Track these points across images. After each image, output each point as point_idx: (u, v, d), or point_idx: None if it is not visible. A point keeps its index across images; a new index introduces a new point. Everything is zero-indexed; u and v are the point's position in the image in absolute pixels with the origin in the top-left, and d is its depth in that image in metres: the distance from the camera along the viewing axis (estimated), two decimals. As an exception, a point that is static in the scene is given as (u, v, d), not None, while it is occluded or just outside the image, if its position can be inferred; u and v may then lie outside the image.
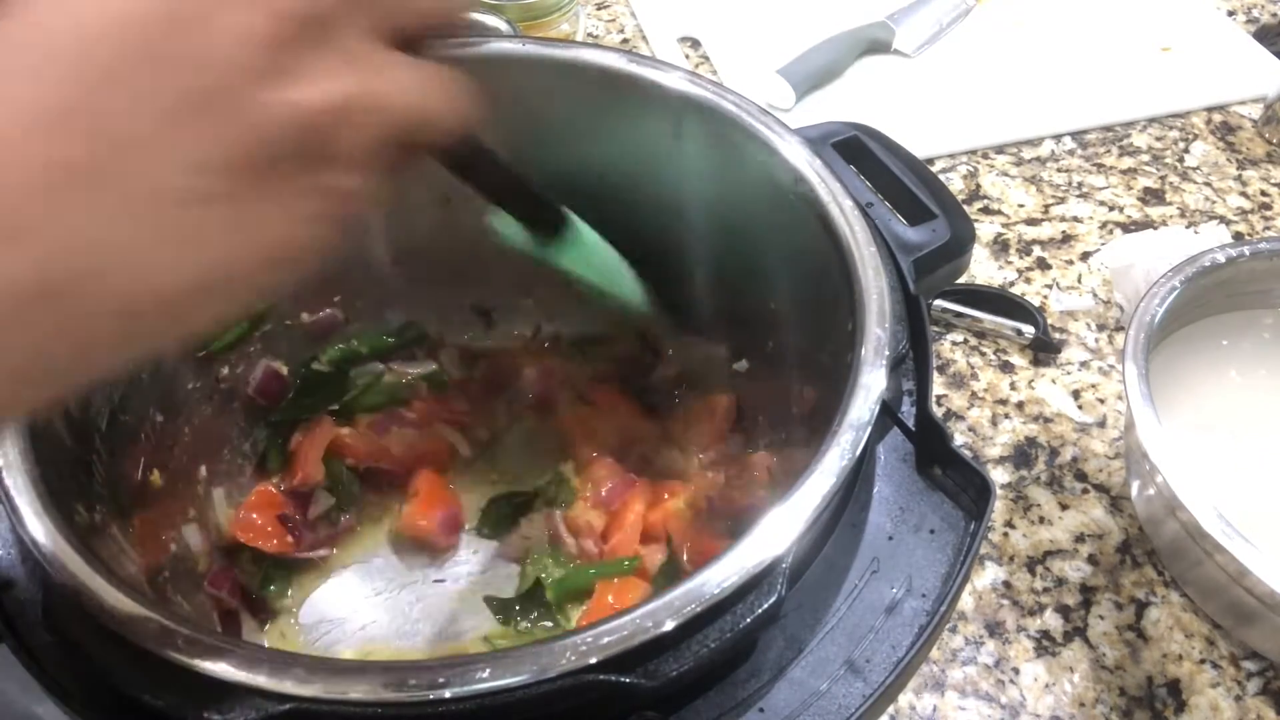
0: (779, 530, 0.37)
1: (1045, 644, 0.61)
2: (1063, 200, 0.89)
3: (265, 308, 0.62)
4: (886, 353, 0.42)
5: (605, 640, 0.33)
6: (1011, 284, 0.82)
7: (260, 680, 0.33)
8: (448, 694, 0.33)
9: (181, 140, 0.25)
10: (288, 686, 0.33)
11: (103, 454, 0.48)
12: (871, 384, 0.41)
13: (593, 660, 0.33)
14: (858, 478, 0.43)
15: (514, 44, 0.59)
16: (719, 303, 0.65)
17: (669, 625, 0.34)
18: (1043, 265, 0.84)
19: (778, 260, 0.56)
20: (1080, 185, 0.91)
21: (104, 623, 0.35)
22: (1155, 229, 0.86)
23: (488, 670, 0.33)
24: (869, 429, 0.40)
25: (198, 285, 0.27)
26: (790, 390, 0.59)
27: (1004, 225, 0.87)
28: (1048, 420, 0.73)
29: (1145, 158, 0.93)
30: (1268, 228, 0.86)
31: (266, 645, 0.57)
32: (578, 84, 0.58)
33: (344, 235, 0.30)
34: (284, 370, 0.65)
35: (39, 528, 0.38)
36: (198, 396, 0.59)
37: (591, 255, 0.52)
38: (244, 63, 0.26)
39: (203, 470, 0.60)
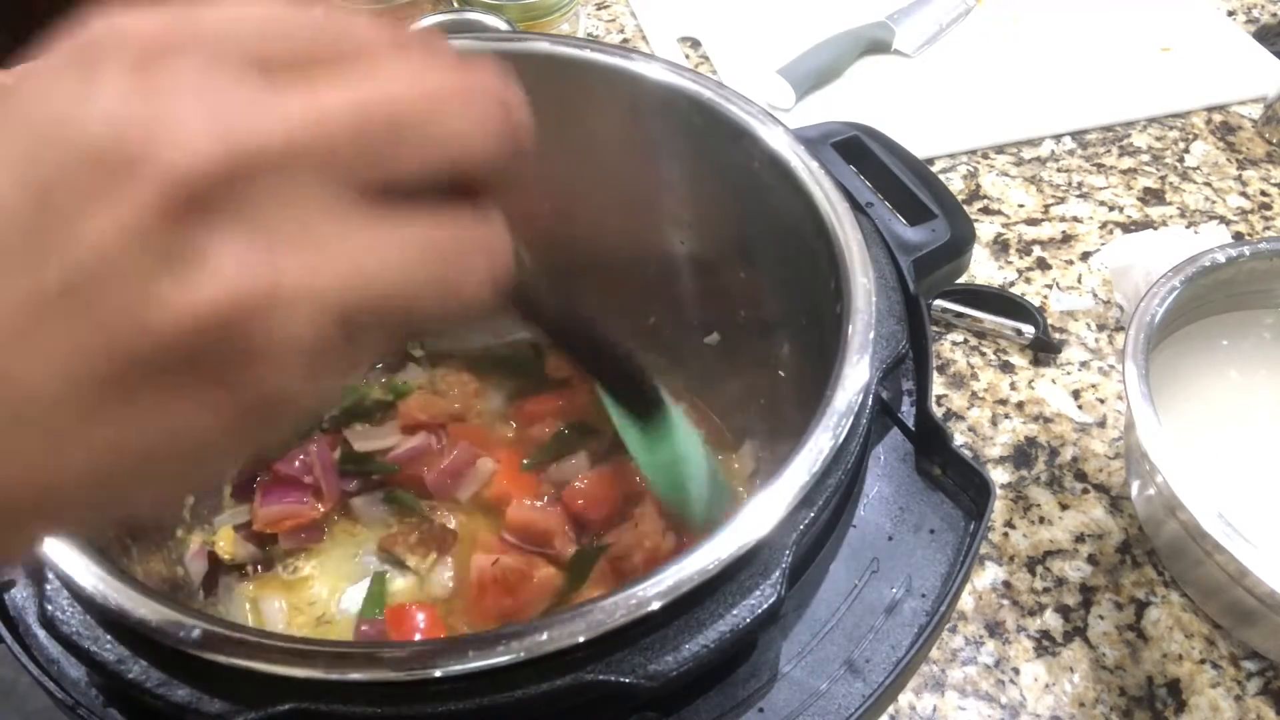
0: (760, 517, 0.37)
1: (1045, 644, 0.61)
2: (1063, 200, 0.89)
3: None
4: (872, 334, 0.42)
5: (584, 624, 0.34)
6: (1011, 284, 0.82)
7: (256, 664, 0.33)
8: (437, 673, 0.33)
9: (51, 350, 0.21)
10: (286, 670, 0.33)
11: None
12: (854, 376, 0.41)
13: (578, 640, 0.33)
14: (856, 476, 0.43)
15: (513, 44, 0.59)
16: (711, 297, 0.65)
17: (651, 607, 0.34)
18: (1043, 265, 0.84)
19: (762, 242, 0.56)
20: (1080, 185, 0.91)
21: (101, 612, 0.35)
22: (1155, 229, 0.86)
23: (472, 652, 0.33)
24: (852, 416, 0.40)
25: (94, 481, 0.23)
26: (785, 389, 0.59)
27: (1004, 225, 0.87)
28: (1048, 420, 0.73)
29: (1145, 158, 0.93)
30: (1268, 228, 0.86)
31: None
32: (554, 75, 0.58)
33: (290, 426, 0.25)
34: None
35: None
36: None
37: (670, 460, 0.51)
38: (122, 256, 0.21)
39: (189, 497, 0.59)
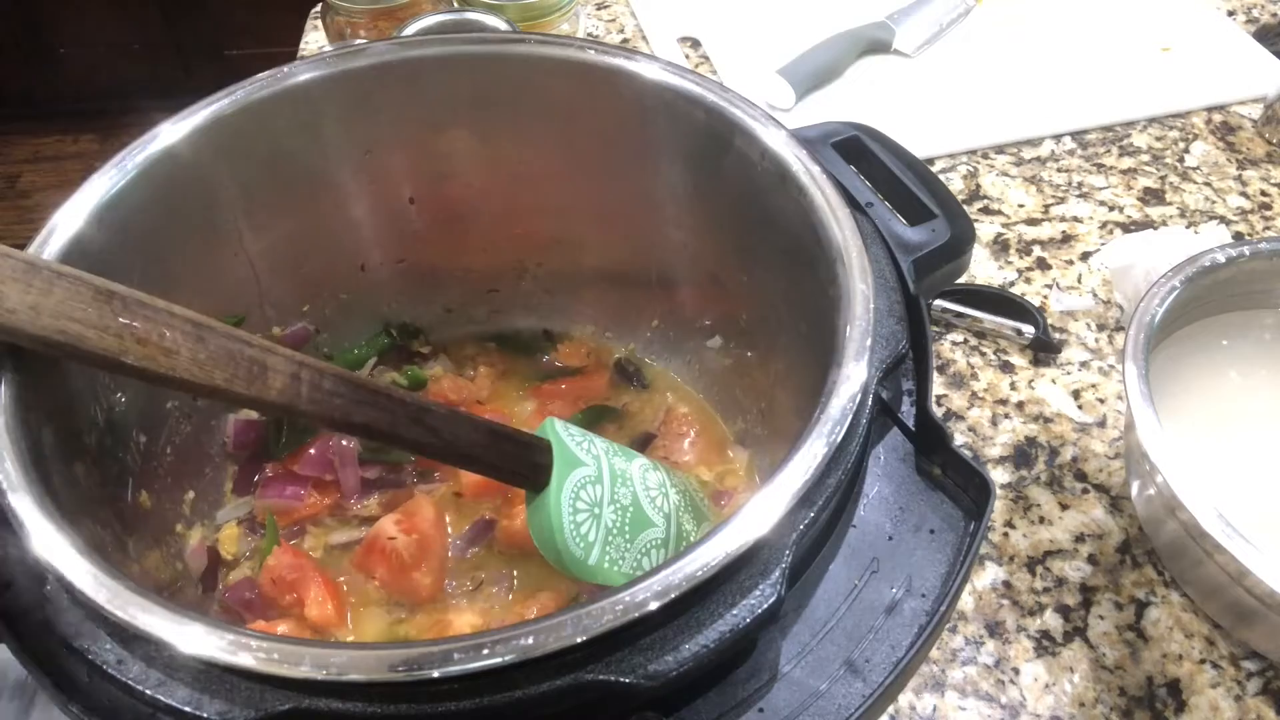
0: (759, 516, 0.37)
1: (1045, 644, 0.61)
2: (1063, 200, 0.89)
3: (237, 320, 0.61)
4: (869, 340, 0.42)
5: (583, 625, 0.34)
6: (1011, 284, 0.82)
7: (255, 665, 0.33)
8: (435, 674, 0.33)
9: None
10: (285, 670, 0.33)
11: (96, 477, 0.48)
12: (851, 379, 0.41)
13: (578, 640, 0.33)
14: (856, 476, 0.43)
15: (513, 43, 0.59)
16: (713, 301, 0.65)
17: (650, 607, 0.34)
18: (1043, 265, 0.84)
19: (763, 246, 0.56)
20: (1080, 185, 0.91)
21: (98, 614, 0.35)
22: (1155, 229, 0.86)
23: (466, 653, 0.33)
24: (850, 417, 0.40)
25: None
26: (786, 393, 0.59)
27: (1004, 225, 0.87)
28: (1048, 420, 0.73)
29: (1145, 158, 0.93)
30: (1268, 228, 0.86)
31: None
32: (560, 77, 0.58)
33: None
34: (252, 414, 0.64)
35: (35, 519, 0.38)
36: (177, 415, 0.58)
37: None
38: None
39: (189, 492, 0.60)
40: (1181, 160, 0.93)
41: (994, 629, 0.62)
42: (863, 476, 0.43)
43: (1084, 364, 0.76)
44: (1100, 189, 0.90)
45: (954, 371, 0.76)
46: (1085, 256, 0.84)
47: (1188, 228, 0.86)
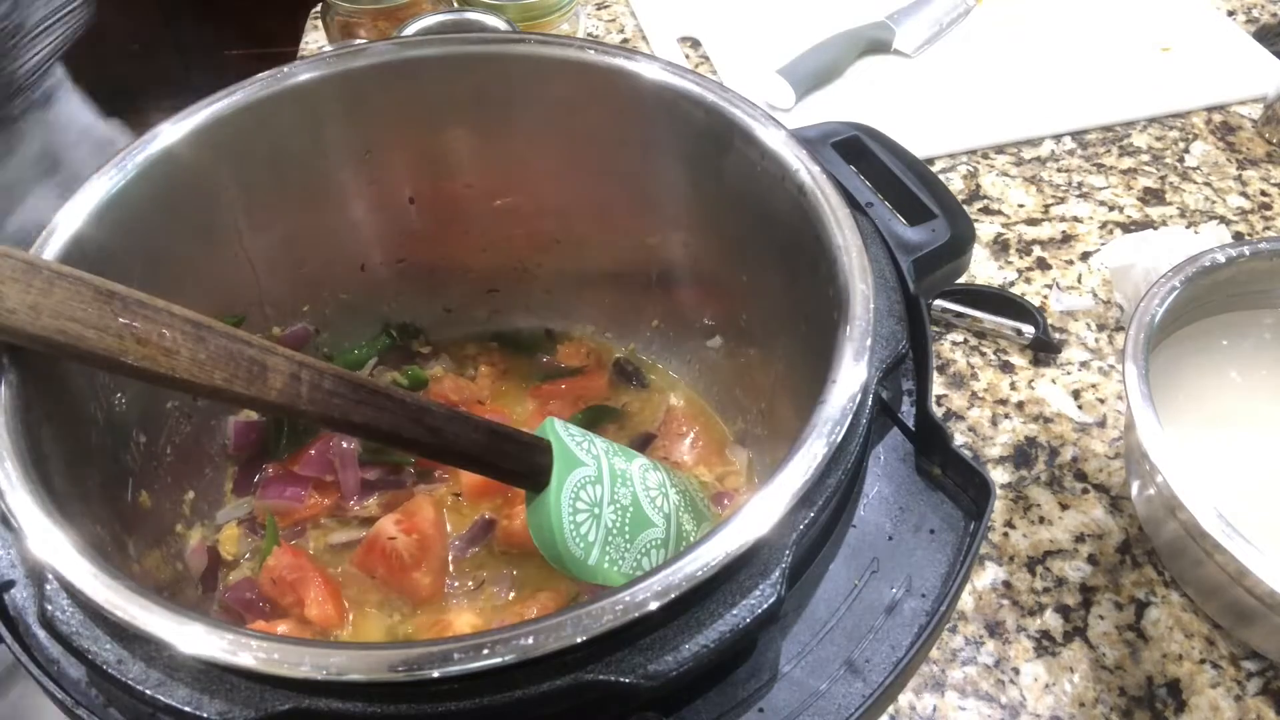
0: (759, 516, 0.37)
1: (1045, 644, 0.61)
2: (1063, 200, 0.89)
3: (237, 320, 0.61)
4: (869, 340, 0.42)
5: (583, 625, 0.33)
6: (1011, 284, 0.82)
7: (255, 665, 0.33)
8: (435, 674, 0.33)
9: None
10: (284, 670, 0.33)
11: (96, 477, 0.48)
12: (850, 378, 0.41)
13: (578, 640, 0.33)
14: (856, 476, 0.43)
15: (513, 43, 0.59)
16: (713, 301, 0.65)
17: (650, 607, 0.34)
18: (1043, 265, 0.84)
19: (763, 246, 0.56)
20: (1080, 185, 0.91)
21: (98, 614, 0.35)
22: (1155, 229, 0.86)
23: (466, 653, 0.33)
24: (850, 416, 0.40)
25: None
26: (786, 393, 0.59)
27: (1004, 225, 0.87)
28: (1048, 420, 0.73)
29: (1145, 158, 0.93)
30: (1268, 228, 0.86)
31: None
32: (560, 78, 0.58)
33: None
34: (253, 415, 0.64)
35: (35, 519, 0.38)
36: (177, 415, 0.58)
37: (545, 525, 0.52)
38: None
39: (189, 492, 0.60)
40: (1181, 160, 0.93)
41: (994, 629, 0.62)
42: (863, 476, 0.43)
43: (1084, 364, 0.76)
44: (1100, 189, 0.90)
45: (954, 371, 0.76)
46: (1085, 256, 0.84)
47: (1188, 228, 0.86)
